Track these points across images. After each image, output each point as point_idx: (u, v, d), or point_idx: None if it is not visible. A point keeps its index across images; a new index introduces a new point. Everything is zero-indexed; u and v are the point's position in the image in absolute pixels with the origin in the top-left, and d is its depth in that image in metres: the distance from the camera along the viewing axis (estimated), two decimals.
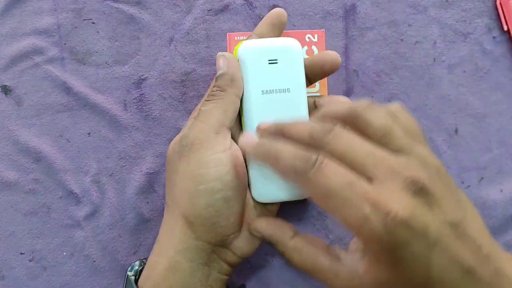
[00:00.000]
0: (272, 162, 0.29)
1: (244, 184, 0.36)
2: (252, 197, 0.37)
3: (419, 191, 0.26)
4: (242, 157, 0.36)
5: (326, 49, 0.45)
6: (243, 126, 0.38)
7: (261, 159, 0.30)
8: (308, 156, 0.27)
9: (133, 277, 0.38)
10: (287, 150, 0.28)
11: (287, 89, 0.37)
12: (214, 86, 0.36)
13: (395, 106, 0.30)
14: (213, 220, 0.34)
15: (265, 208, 0.37)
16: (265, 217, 0.36)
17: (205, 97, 0.37)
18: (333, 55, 0.38)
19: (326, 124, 0.28)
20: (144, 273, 0.37)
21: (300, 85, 0.37)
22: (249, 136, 0.33)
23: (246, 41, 0.38)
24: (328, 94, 0.45)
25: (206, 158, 0.33)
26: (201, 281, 0.35)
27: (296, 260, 0.32)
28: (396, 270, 0.26)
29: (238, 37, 0.43)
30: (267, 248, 0.46)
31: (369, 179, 0.26)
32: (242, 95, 0.37)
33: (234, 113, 0.36)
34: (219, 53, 0.37)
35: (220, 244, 0.35)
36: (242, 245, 0.36)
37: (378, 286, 0.27)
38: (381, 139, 0.27)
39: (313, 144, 0.28)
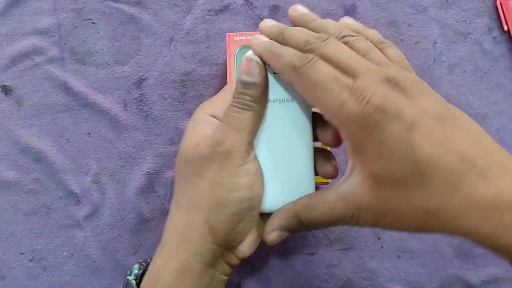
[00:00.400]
0: (275, 58, 0.33)
1: (261, 195, 0.36)
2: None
3: (396, 84, 0.29)
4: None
5: None
6: None
7: (265, 55, 0.34)
8: (305, 55, 0.32)
9: (134, 281, 0.37)
10: (289, 51, 0.33)
11: (291, 99, 0.36)
12: (245, 94, 0.34)
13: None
14: (235, 227, 0.34)
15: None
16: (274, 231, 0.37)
17: (232, 100, 0.35)
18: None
19: (322, 34, 0.33)
20: (150, 277, 0.36)
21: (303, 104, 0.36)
22: (261, 36, 0.35)
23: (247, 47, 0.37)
24: None
25: (239, 167, 0.34)
26: (206, 283, 0.35)
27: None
28: (383, 158, 0.29)
29: (238, 37, 0.43)
30: (267, 248, 0.46)
31: (353, 77, 0.30)
32: None
33: (260, 124, 0.35)
34: (249, 55, 0.34)
35: (229, 248, 0.36)
36: (245, 249, 0.36)
37: (377, 183, 0.30)
38: (366, 56, 0.32)
39: (308, 49, 0.32)
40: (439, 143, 0.28)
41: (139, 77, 0.48)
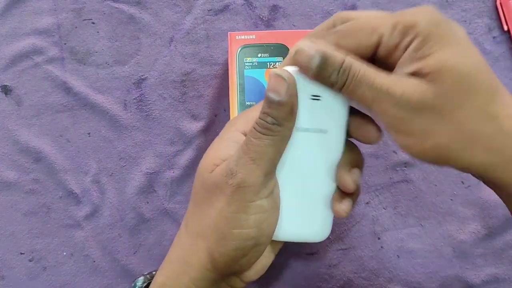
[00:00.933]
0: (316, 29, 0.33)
1: (271, 233, 0.34)
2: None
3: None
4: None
5: None
6: None
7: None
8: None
9: None
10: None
11: (325, 130, 0.33)
12: (268, 115, 0.31)
13: None
14: (237, 260, 0.33)
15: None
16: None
17: (254, 124, 0.32)
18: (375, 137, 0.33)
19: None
20: None
21: (339, 129, 0.33)
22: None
23: (291, 67, 0.32)
24: None
25: (249, 203, 0.32)
26: None
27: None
28: (453, 45, 0.28)
29: (240, 36, 0.43)
30: None
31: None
32: None
33: (284, 149, 0.33)
34: (276, 71, 0.31)
35: (233, 275, 0.35)
36: (251, 274, 0.35)
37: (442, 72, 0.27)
38: None
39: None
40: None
41: (139, 77, 0.48)
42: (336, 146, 0.33)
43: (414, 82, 0.28)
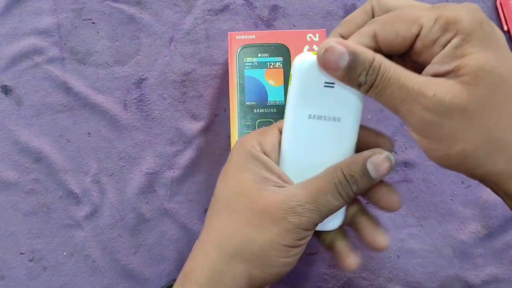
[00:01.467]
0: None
1: None
2: None
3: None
4: None
5: None
6: (281, 145, 0.34)
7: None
8: None
9: None
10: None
11: (338, 118, 0.32)
12: (356, 184, 0.31)
13: None
14: (272, 282, 0.34)
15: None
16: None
17: None
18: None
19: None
20: None
21: (354, 117, 0.33)
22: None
23: (305, 54, 0.32)
24: None
25: (301, 241, 0.33)
26: None
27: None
28: (493, 49, 0.27)
29: (240, 36, 0.43)
30: None
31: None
32: (288, 114, 0.33)
33: None
34: (385, 153, 0.31)
35: None
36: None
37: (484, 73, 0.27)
38: None
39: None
40: None
41: (139, 77, 0.48)
42: (350, 134, 0.33)
43: (447, 83, 0.27)
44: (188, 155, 0.47)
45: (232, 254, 0.33)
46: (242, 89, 0.42)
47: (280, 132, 0.34)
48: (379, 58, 0.29)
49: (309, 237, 0.33)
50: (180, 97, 0.48)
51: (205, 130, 0.47)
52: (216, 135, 0.47)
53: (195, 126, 0.47)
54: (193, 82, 0.48)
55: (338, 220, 0.35)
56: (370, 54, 0.29)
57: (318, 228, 0.34)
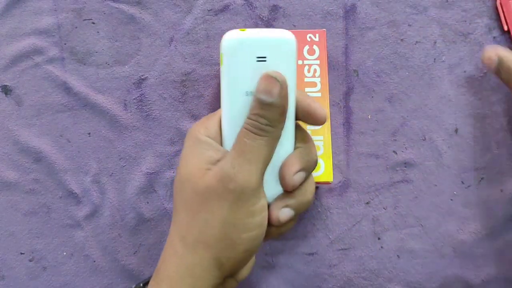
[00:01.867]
0: None
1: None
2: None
3: None
4: None
5: (327, 48, 0.45)
6: (221, 126, 0.34)
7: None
8: None
9: None
10: None
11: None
12: (261, 116, 0.31)
13: None
14: (246, 261, 0.34)
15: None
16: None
17: (248, 124, 0.32)
18: (322, 116, 0.34)
19: None
20: None
21: (290, 88, 0.33)
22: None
23: (232, 31, 0.32)
24: (329, 93, 0.45)
25: (253, 207, 0.32)
26: None
27: None
28: None
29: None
30: (267, 248, 0.46)
31: None
32: (224, 94, 0.33)
33: (275, 149, 0.33)
34: (270, 72, 0.31)
35: (231, 276, 0.35)
36: (245, 272, 0.36)
37: None
38: None
39: None
40: None
41: (139, 77, 0.48)
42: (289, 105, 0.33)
43: None
44: None
45: (194, 243, 0.32)
46: None
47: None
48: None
49: (262, 201, 0.32)
50: (180, 97, 0.48)
51: None
52: None
53: None
54: (193, 82, 0.48)
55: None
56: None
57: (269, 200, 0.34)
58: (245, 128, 0.32)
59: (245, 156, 0.31)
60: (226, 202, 0.31)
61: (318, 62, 0.44)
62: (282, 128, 0.32)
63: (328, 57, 0.47)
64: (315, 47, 0.44)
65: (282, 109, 0.31)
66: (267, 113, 0.31)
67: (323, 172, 0.43)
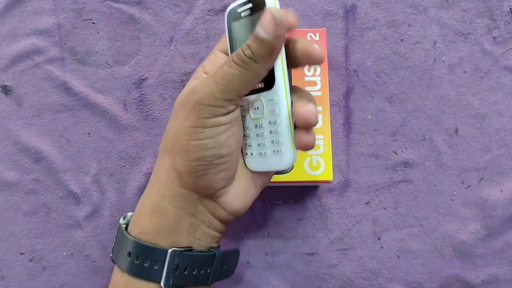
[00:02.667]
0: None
1: (238, 144, 0.35)
2: (245, 165, 0.37)
3: None
4: (241, 122, 0.36)
5: (328, 48, 0.45)
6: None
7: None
8: None
9: (124, 225, 0.37)
10: None
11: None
12: (248, 49, 0.32)
13: None
14: (201, 173, 0.34)
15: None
16: None
17: (233, 54, 0.33)
18: (318, 52, 0.33)
19: None
20: (133, 219, 0.37)
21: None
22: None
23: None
24: (329, 93, 0.45)
25: (205, 119, 0.33)
26: (188, 231, 0.35)
27: None
28: None
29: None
30: (267, 248, 0.46)
31: None
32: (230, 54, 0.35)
33: (255, 84, 0.33)
34: (273, 10, 0.31)
35: (208, 196, 0.35)
36: (231, 200, 0.35)
37: None
38: None
39: None
40: None
41: (139, 77, 0.48)
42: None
43: None
44: None
45: (161, 150, 0.36)
46: None
47: (221, 53, 0.37)
48: None
49: (217, 119, 0.33)
50: None
51: None
52: None
53: None
54: None
55: (290, 160, 0.35)
56: None
57: (274, 169, 0.35)
58: (231, 57, 0.33)
59: (215, 79, 0.33)
60: (183, 111, 0.34)
61: None
62: (267, 69, 0.33)
63: (328, 57, 0.47)
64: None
65: (271, 47, 0.32)
66: (255, 47, 0.32)
67: (323, 171, 0.43)
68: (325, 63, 0.44)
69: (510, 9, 0.48)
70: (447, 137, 0.47)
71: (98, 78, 0.48)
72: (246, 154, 0.37)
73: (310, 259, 0.46)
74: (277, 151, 0.35)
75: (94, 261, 0.46)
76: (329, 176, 0.42)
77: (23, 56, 0.48)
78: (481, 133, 0.47)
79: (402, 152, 0.47)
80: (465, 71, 0.48)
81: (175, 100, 0.47)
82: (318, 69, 0.44)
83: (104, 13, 0.48)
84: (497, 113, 0.47)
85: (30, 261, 0.46)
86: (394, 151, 0.47)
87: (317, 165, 0.42)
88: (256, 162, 0.36)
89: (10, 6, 0.48)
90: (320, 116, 0.43)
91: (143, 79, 0.48)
